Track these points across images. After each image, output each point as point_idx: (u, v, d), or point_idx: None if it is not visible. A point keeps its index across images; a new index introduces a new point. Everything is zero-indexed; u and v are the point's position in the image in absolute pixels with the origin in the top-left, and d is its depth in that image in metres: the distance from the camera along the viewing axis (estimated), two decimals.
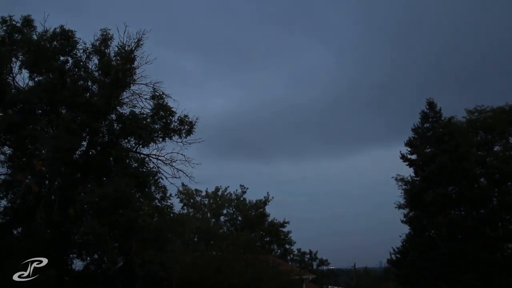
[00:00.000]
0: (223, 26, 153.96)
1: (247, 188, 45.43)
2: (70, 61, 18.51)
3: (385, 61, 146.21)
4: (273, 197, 45.62)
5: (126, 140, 18.77)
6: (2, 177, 17.04)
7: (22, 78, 17.93)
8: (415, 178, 30.92)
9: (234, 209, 44.64)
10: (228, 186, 44.99)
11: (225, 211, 44.46)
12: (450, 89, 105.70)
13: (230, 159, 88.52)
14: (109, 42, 18.74)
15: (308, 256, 51.47)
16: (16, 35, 17.70)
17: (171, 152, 19.12)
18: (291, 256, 48.63)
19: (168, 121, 19.19)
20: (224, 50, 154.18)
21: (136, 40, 18.62)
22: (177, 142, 19.43)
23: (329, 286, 49.89)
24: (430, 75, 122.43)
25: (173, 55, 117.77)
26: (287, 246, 47.30)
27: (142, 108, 19.08)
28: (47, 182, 17.10)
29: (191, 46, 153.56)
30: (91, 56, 18.88)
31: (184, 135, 19.37)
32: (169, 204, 19.60)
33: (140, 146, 18.92)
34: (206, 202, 43.83)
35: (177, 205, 31.78)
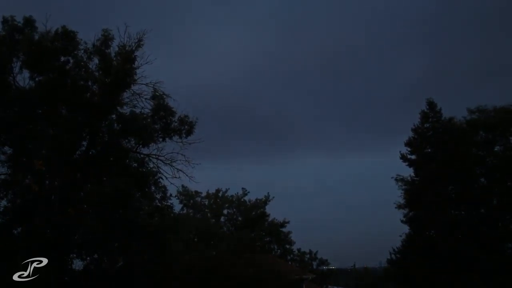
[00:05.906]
0: None
1: (249, 192, 45.48)
2: (71, 61, 18.50)
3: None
4: (273, 197, 45.66)
5: (126, 140, 18.79)
6: (2, 177, 17.06)
7: (23, 78, 17.93)
8: (415, 178, 30.90)
9: (234, 210, 44.63)
10: (229, 188, 45.03)
11: (225, 212, 44.46)
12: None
13: (228, 156, 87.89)
14: (109, 42, 18.75)
15: (308, 256, 51.42)
16: (17, 35, 17.71)
17: (171, 152, 19.19)
18: (291, 256, 48.60)
19: (168, 121, 19.27)
20: None
21: (136, 41, 18.64)
22: (177, 142, 19.50)
23: (329, 286, 49.93)
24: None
25: None
26: (287, 246, 47.31)
27: (142, 108, 19.17)
28: (47, 182, 17.11)
29: None
30: (92, 56, 18.88)
31: (184, 135, 19.45)
32: (169, 204, 19.70)
33: (140, 146, 18.98)
34: (206, 203, 43.80)
35: (176, 206, 31.78)
